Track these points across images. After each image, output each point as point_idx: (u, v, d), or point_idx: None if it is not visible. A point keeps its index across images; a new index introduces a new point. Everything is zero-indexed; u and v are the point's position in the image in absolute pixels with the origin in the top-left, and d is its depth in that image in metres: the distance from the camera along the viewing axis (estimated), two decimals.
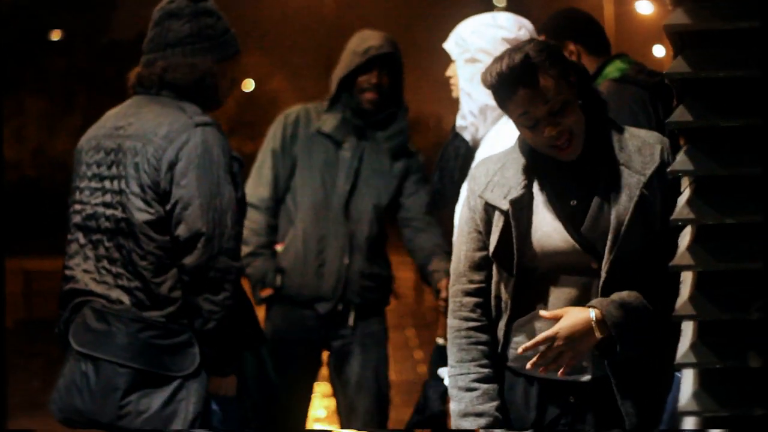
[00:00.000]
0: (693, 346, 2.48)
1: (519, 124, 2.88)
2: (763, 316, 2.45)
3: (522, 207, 2.90)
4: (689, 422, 2.51)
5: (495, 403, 2.96)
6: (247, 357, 3.76)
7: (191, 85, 3.63)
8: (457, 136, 3.74)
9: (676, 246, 2.75)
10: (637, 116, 4.03)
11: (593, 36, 4.53)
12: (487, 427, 2.93)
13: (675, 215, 2.52)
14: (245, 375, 3.76)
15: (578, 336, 2.81)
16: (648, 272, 2.86)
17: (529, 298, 2.94)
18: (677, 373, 2.74)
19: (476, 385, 2.97)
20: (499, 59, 2.86)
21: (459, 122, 3.72)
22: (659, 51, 25.66)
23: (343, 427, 4.90)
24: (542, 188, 2.93)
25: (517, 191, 2.90)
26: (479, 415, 2.95)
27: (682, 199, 2.59)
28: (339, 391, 4.93)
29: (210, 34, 3.67)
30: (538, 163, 2.94)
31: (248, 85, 32.02)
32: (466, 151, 3.70)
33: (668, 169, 2.56)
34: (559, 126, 2.82)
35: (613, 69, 4.33)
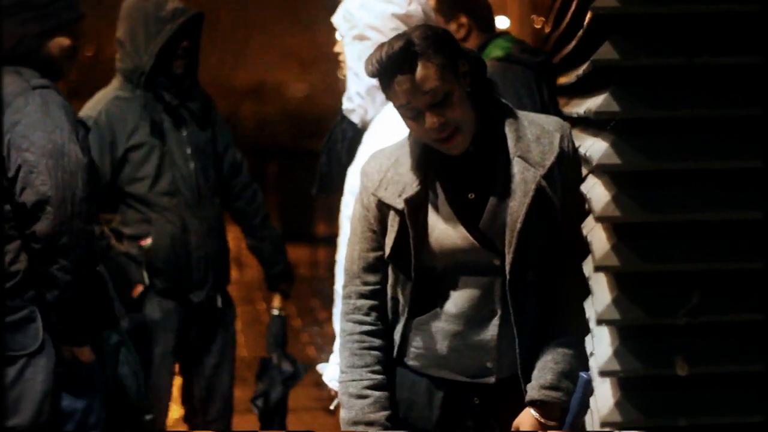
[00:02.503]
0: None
1: (402, 115, 2.67)
2: (691, 321, 2.39)
3: (418, 205, 2.70)
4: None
5: (386, 413, 2.78)
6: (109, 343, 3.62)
7: (17, 55, 3.39)
8: (344, 119, 3.47)
9: (579, 235, 2.71)
10: (522, 98, 3.83)
11: (484, 11, 4.22)
12: None
13: (599, 213, 2.40)
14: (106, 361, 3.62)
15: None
16: (552, 264, 2.72)
17: (428, 298, 2.77)
18: (582, 374, 2.60)
19: (368, 392, 2.78)
20: (380, 46, 2.64)
21: (346, 104, 3.44)
22: (502, 22, 25.69)
23: (193, 410, 4.64)
24: (438, 183, 2.73)
25: (411, 189, 2.70)
26: (370, 423, 2.77)
27: (602, 195, 2.46)
28: (195, 373, 4.61)
29: (36, 3, 3.41)
30: (431, 156, 2.73)
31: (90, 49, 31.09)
32: (354, 134, 3.45)
33: (595, 164, 2.40)
34: (442, 118, 2.60)
35: (496, 48, 4.06)
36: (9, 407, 3.25)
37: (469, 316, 2.72)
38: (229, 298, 4.60)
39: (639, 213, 2.39)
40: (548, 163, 2.66)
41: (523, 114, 2.78)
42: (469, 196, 2.71)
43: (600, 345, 2.49)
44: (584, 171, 2.81)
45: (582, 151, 2.70)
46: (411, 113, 2.62)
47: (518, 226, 2.62)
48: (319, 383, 6.35)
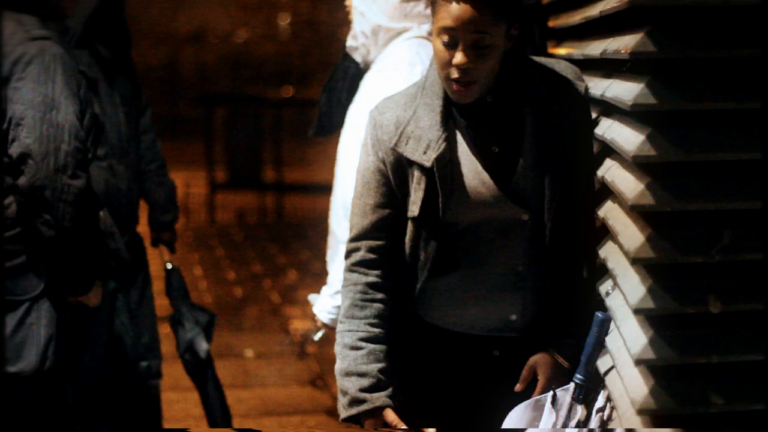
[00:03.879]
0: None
1: (437, 35, 2.49)
2: (723, 259, 2.23)
3: (446, 163, 2.55)
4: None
5: (380, 365, 2.63)
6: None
7: None
8: (346, 57, 3.39)
9: (591, 181, 2.64)
10: None
11: None
12: (370, 388, 2.62)
13: (633, 200, 2.25)
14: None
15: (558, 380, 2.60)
16: (573, 211, 2.60)
17: (451, 256, 2.63)
18: (597, 313, 2.46)
19: (362, 344, 2.65)
20: None
21: (350, 42, 3.37)
22: None
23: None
24: (460, 137, 2.60)
25: (438, 146, 2.55)
26: (362, 375, 2.63)
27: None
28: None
29: None
30: (453, 108, 2.60)
31: None
32: (356, 73, 3.37)
33: (632, 155, 2.25)
34: (471, 64, 2.46)
35: None
36: (12, 352, 3.18)
37: (496, 272, 2.62)
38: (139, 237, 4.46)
39: (672, 201, 2.22)
40: (572, 115, 2.56)
41: (538, 61, 2.65)
42: (493, 149, 2.58)
43: (631, 332, 2.33)
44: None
45: (608, 135, 2.53)
46: (449, 39, 2.46)
47: (557, 183, 2.54)
48: (285, 329, 6.19)
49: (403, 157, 2.59)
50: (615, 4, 2.39)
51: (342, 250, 3.27)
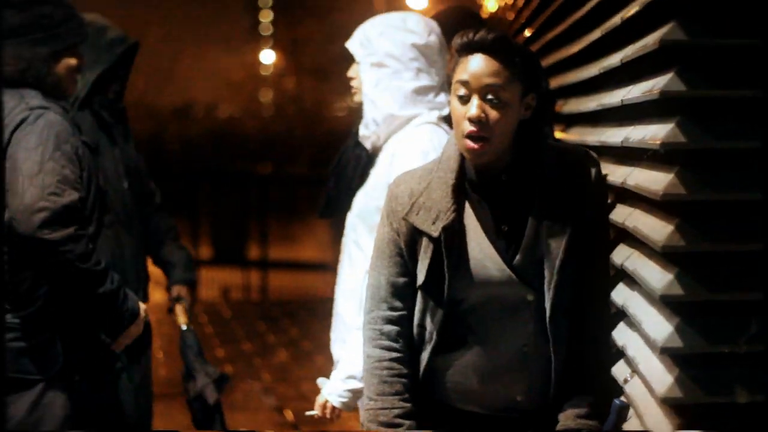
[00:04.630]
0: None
1: (455, 93, 2.55)
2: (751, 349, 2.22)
3: (454, 234, 2.56)
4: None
5: None
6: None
7: (19, 77, 3.30)
8: (358, 144, 3.37)
9: (606, 267, 2.59)
10: None
11: None
12: None
13: (663, 291, 2.24)
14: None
15: None
16: (582, 297, 2.56)
17: (457, 330, 2.62)
18: (615, 400, 2.45)
19: (400, 421, 2.65)
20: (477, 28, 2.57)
21: (362, 131, 3.35)
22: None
23: None
24: (472, 212, 2.60)
25: (447, 216, 2.57)
26: None
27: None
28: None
29: (45, 24, 3.32)
30: (465, 185, 2.62)
31: None
32: (367, 160, 3.35)
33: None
34: (484, 115, 2.49)
35: None
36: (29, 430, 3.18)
37: (501, 351, 2.58)
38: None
39: (702, 291, 2.22)
40: (578, 196, 2.54)
41: (554, 144, 2.68)
42: (503, 228, 2.58)
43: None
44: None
45: (630, 223, 2.54)
46: (464, 93, 2.51)
47: (557, 263, 2.51)
48: (278, 408, 6.09)
49: (414, 227, 2.62)
50: (640, 94, 2.39)
51: (349, 333, 3.27)
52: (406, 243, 2.65)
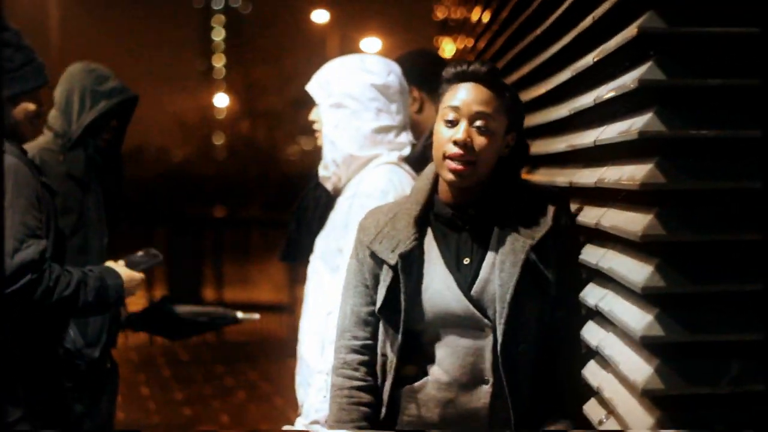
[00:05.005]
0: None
1: (441, 118, 2.63)
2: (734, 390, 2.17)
3: (412, 261, 2.63)
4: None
5: None
6: None
7: None
8: (318, 186, 3.39)
9: (575, 307, 2.64)
10: None
11: (437, 81, 4.01)
12: None
13: (643, 332, 2.18)
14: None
15: None
16: (547, 336, 2.63)
17: (417, 360, 2.66)
18: None
19: None
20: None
21: (322, 172, 3.36)
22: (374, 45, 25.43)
23: None
24: (435, 244, 2.66)
25: (406, 244, 2.64)
26: None
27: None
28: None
29: (5, 68, 3.30)
30: (432, 215, 2.69)
31: None
32: (327, 201, 3.36)
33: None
34: (470, 139, 2.57)
35: None
36: None
37: (461, 383, 2.60)
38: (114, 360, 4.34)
39: (683, 333, 2.18)
40: (539, 235, 2.58)
41: (525, 183, 2.73)
42: (465, 260, 2.62)
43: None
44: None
45: (604, 264, 2.50)
46: (452, 117, 2.59)
47: (508, 297, 2.54)
48: None
49: (376, 257, 2.67)
50: (616, 134, 2.36)
51: (312, 376, 3.21)
52: (370, 272, 2.70)
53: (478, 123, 2.58)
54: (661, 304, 2.19)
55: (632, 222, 2.28)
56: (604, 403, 2.53)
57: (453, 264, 2.62)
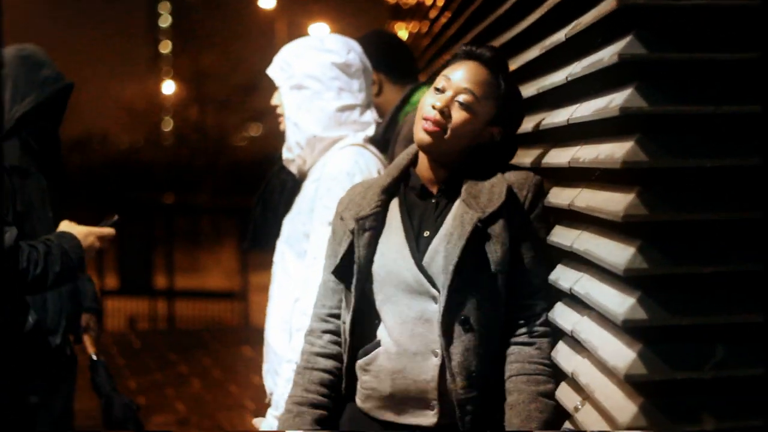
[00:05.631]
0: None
1: (435, 84, 2.68)
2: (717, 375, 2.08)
3: (368, 227, 2.67)
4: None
5: (305, 427, 2.71)
6: None
7: None
8: (282, 169, 3.29)
9: (537, 286, 2.61)
10: None
11: (396, 63, 3.94)
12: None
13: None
14: None
15: None
16: (507, 312, 2.61)
17: (370, 328, 2.67)
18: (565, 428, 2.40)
19: (295, 408, 2.74)
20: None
21: (285, 155, 3.27)
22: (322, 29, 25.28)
23: None
24: (399, 213, 2.69)
25: (366, 211, 2.69)
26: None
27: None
28: None
29: None
30: (403, 187, 2.74)
31: None
32: (293, 185, 3.27)
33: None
34: (448, 109, 2.61)
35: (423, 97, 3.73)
36: None
37: (410, 353, 2.59)
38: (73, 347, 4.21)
39: (666, 316, 2.08)
40: (490, 209, 2.56)
41: (503, 167, 2.69)
42: (425, 233, 2.64)
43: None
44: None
45: (579, 245, 2.41)
46: (442, 86, 2.64)
47: (451, 268, 2.53)
48: None
49: (342, 222, 2.72)
50: (592, 112, 2.26)
51: (281, 364, 3.11)
52: (339, 241, 2.73)
53: (461, 98, 2.61)
54: (642, 287, 2.09)
55: (611, 202, 2.19)
56: (579, 388, 2.45)
57: (412, 234, 2.63)
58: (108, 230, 3.31)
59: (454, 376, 2.53)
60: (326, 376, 2.74)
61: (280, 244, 3.28)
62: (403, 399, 2.59)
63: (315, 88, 3.18)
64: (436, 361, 2.55)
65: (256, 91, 22.30)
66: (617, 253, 2.15)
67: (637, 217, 2.07)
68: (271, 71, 3.28)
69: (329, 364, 2.75)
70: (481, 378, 2.54)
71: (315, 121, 3.18)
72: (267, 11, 25.56)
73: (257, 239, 3.39)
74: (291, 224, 3.23)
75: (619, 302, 2.14)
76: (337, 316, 2.76)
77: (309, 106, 3.19)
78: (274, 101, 3.29)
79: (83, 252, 3.25)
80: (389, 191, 2.72)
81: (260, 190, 3.37)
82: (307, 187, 3.22)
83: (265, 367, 3.29)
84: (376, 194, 2.70)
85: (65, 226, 3.37)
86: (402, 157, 2.76)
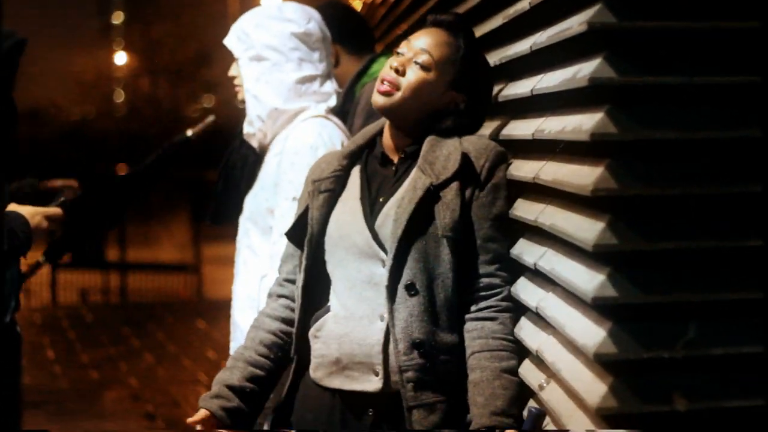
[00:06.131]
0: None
1: (398, 48, 2.66)
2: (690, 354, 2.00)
3: (323, 189, 2.65)
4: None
5: (234, 382, 2.65)
6: None
7: None
8: (243, 143, 3.18)
9: (493, 258, 2.53)
10: None
11: (353, 34, 3.85)
12: (211, 395, 2.65)
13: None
14: None
15: None
16: (460, 282, 2.53)
17: (322, 291, 2.65)
18: (532, 408, 2.31)
19: (233, 362, 2.70)
20: None
21: (246, 129, 3.16)
22: None
23: None
24: (359, 179, 2.66)
25: (324, 174, 2.67)
26: (215, 385, 2.67)
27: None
28: None
29: None
30: (361, 157, 2.71)
31: None
32: (254, 160, 3.16)
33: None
34: (404, 71, 2.60)
35: (380, 67, 3.64)
36: None
37: (357, 317, 2.55)
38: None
39: (639, 295, 2.01)
40: (444, 175, 2.52)
41: (465, 138, 2.62)
42: (380, 199, 2.60)
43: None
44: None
45: (544, 219, 2.32)
46: (401, 50, 2.63)
47: (399, 232, 2.48)
48: (148, 414, 5.79)
49: (305, 187, 2.71)
50: (559, 82, 2.17)
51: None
52: (301, 207, 2.69)
53: (419, 58, 2.58)
54: (612, 263, 2.01)
55: (579, 176, 2.10)
56: (543, 366, 2.37)
57: (367, 199, 2.61)
58: (55, 210, 3.17)
59: (396, 341, 2.47)
60: (270, 336, 2.70)
61: (244, 221, 3.20)
62: (348, 364, 2.54)
63: (274, 59, 3.09)
64: (381, 326, 2.51)
65: (209, 62, 22.00)
66: (586, 228, 2.06)
67: (606, 191, 1.99)
68: (229, 42, 3.17)
69: (275, 326, 2.71)
70: (425, 345, 2.48)
71: (275, 93, 3.08)
72: None
73: (219, 215, 3.30)
74: (254, 200, 3.15)
75: (587, 279, 2.06)
76: (293, 282, 2.72)
77: (268, 78, 3.10)
78: (231, 72, 3.19)
79: (31, 231, 3.12)
80: (352, 157, 2.69)
81: (221, 165, 3.26)
82: (269, 162, 3.13)
83: (232, 345, 3.22)
84: (338, 159, 2.68)
85: (12, 207, 3.24)
86: (372, 126, 2.73)
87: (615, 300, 1.98)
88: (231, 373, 2.66)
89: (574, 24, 2.09)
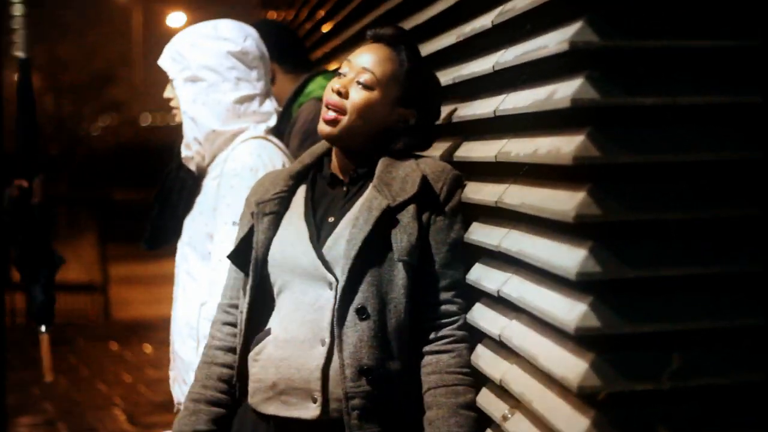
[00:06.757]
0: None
1: (340, 69, 2.55)
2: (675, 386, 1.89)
3: (268, 212, 2.53)
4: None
5: (199, 426, 2.56)
6: None
7: None
8: (180, 167, 3.03)
9: (449, 285, 2.44)
10: None
11: (288, 53, 3.73)
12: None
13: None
14: None
15: None
16: (402, 301, 2.40)
17: (266, 315, 2.51)
18: None
19: (190, 404, 2.59)
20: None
21: (184, 152, 3.02)
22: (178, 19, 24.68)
23: None
24: (305, 199, 2.54)
25: (268, 194, 2.55)
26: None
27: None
28: None
29: None
30: (313, 174, 2.60)
31: None
32: (192, 183, 3.01)
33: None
34: (347, 93, 2.48)
35: (317, 87, 3.59)
36: None
37: (298, 341, 2.41)
38: None
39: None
40: (401, 198, 2.40)
41: (421, 160, 2.52)
42: (329, 219, 2.49)
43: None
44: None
45: (508, 245, 2.21)
46: (343, 70, 2.52)
47: (352, 253, 2.36)
48: None
49: (248, 208, 2.59)
50: (530, 103, 2.06)
51: (188, 373, 2.91)
52: (243, 228, 2.58)
53: (361, 77, 2.47)
54: (594, 292, 1.89)
55: (556, 200, 1.98)
56: (505, 395, 2.25)
57: (312, 219, 2.49)
58: None
59: (344, 366, 2.34)
60: (225, 371, 2.58)
61: (182, 246, 3.05)
62: (285, 389, 2.41)
63: (211, 79, 2.96)
64: (322, 351, 2.38)
65: (113, 80, 21.64)
66: (566, 256, 1.94)
67: (590, 218, 1.87)
68: (163, 62, 3.03)
69: (228, 358, 2.58)
70: (374, 372, 2.36)
71: (213, 115, 2.94)
72: None
73: (156, 240, 3.15)
74: (193, 225, 3.00)
75: (567, 308, 1.94)
76: (238, 306, 2.59)
77: (205, 99, 2.96)
78: (167, 94, 3.05)
79: None
80: (298, 177, 2.58)
81: (158, 189, 3.12)
82: (208, 185, 2.99)
83: (172, 375, 3.06)
84: (283, 179, 2.56)
85: None
86: (319, 145, 2.62)
87: (598, 330, 1.87)
88: (197, 418, 2.56)
89: (551, 43, 1.97)
